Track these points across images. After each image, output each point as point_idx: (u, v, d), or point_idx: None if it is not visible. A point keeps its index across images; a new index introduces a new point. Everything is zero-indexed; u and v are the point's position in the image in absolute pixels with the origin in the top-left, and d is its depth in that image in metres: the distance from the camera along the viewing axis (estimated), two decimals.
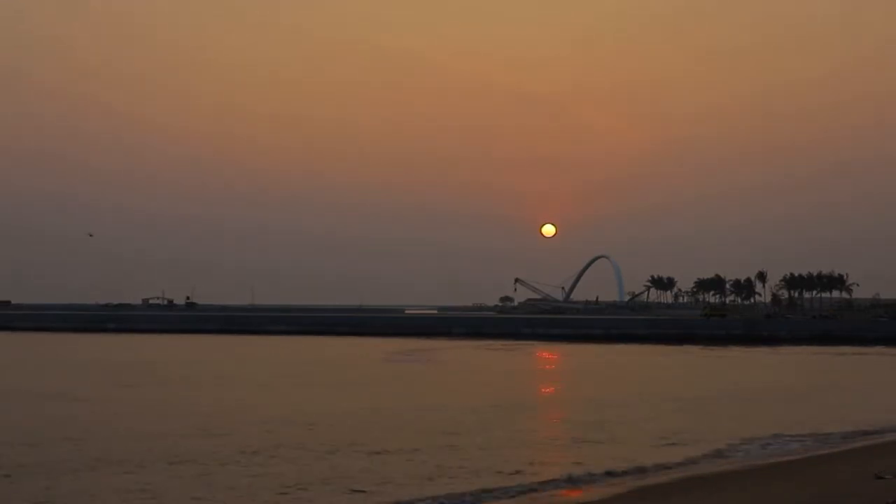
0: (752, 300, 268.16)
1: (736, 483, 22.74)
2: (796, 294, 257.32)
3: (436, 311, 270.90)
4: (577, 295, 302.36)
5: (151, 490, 21.59)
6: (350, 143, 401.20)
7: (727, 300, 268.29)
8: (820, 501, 20.33)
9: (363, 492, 21.56)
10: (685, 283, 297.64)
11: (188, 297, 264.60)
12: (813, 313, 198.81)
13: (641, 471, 24.68)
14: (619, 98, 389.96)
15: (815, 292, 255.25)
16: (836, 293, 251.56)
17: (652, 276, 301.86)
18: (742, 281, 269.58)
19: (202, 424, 32.43)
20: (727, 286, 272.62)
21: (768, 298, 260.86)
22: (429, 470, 24.41)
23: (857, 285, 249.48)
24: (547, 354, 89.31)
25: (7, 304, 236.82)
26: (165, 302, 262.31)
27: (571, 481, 23.12)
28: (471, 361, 75.13)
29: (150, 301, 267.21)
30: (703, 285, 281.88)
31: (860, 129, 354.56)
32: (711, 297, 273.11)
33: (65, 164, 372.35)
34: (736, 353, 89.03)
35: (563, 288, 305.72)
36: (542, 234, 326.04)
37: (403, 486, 22.12)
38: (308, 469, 24.25)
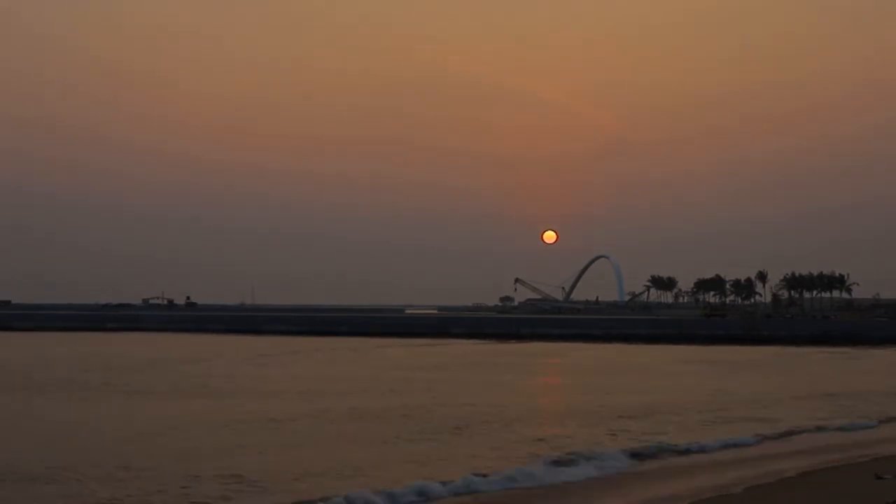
0: (753, 300, 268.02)
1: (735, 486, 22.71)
2: (796, 294, 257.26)
3: (436, 311, 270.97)
4: (578, 295, 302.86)
5: None
6: (351, 143, 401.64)
7: (727, 300, 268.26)
8: (820, 501, 20.33)
9: None
10: (685, 283, 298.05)
11: (188, 298, 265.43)
12: (813, 313, 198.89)
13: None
14: (616, 93, 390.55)
15: (815, 292, 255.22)
16: (836, 293, 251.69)
17: (652, 276, 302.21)
18: (742, 281, 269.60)
19: None
20: (727, 286, 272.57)
21: (768, 298, 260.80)
22: None
23: (857, 284, 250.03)
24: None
25: (7, 304, 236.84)
26: (165, 302, 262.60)
27: None
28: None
29: (151, 301, 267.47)
30: (703, 285, 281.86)
31: (861, 127, 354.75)
32: (711, 298, 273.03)
33: (65, 163, 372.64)
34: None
35: (563, 288, 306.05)
36: (543, 240, 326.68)
37: None
38: None
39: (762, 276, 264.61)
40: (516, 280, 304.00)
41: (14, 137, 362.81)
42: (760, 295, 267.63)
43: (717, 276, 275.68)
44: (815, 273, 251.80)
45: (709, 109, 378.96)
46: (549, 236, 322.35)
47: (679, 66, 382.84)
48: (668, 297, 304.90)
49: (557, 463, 24.35)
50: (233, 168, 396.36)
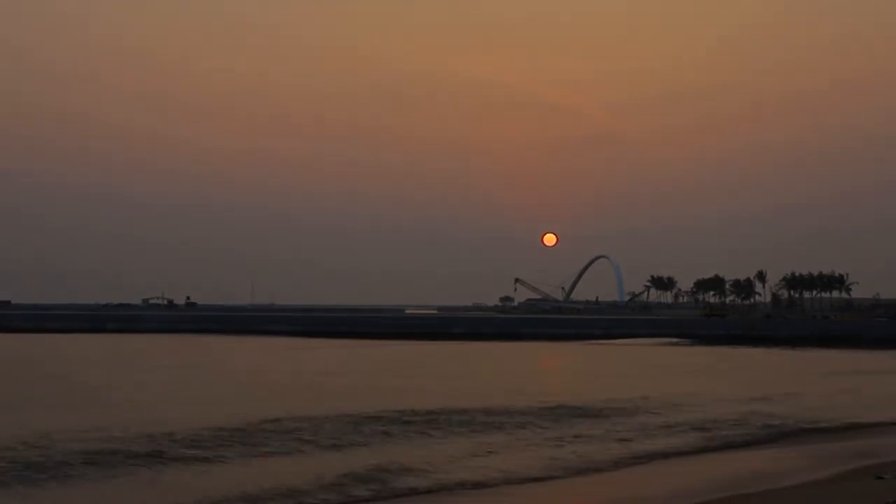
0: (752, 300, 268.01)
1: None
2: (796, 294, 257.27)
3: (436, 311, 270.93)
4: (577, 295, 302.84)
5: None
6: (354, 144, 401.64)
7: (727, 300, 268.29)
8: (819, 501, 20.31)
9: None
10: (685, 283, 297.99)
11: (188, 297, 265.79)
12: (812, 314, 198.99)
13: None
14: (613, 90, 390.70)
15: (814, 292, 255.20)
16: (836, 293, 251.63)
17: (652, 276, 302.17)
18: (742, 281, 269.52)
19: None
20: (727, 286, 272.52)
21: (768, 298, 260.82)
22: None
23: (857, 283, 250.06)
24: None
25: (7, 304, 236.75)
26: (166, 302, 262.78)
27: None
28: None
29: (151, 301, 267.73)
30: (702, 285, 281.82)
31: (860, 127, 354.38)
32: (711, 298, 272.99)
33: (66, 162, 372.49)
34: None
35: (563, 288, 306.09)
36: (543, 242, 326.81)
37: None
38: None
39: (762, 276, 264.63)
40: (516, 280, 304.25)
41: (14, 134, 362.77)
42: (760, 295, 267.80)
43: (717, 276, 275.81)
44: (815, 273, 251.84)
45: (710, 102, 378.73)
46: (550, 239, 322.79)
47: (679, 56, 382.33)
48: (667, 298, 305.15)
49: None
50: (238, 159, 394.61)
